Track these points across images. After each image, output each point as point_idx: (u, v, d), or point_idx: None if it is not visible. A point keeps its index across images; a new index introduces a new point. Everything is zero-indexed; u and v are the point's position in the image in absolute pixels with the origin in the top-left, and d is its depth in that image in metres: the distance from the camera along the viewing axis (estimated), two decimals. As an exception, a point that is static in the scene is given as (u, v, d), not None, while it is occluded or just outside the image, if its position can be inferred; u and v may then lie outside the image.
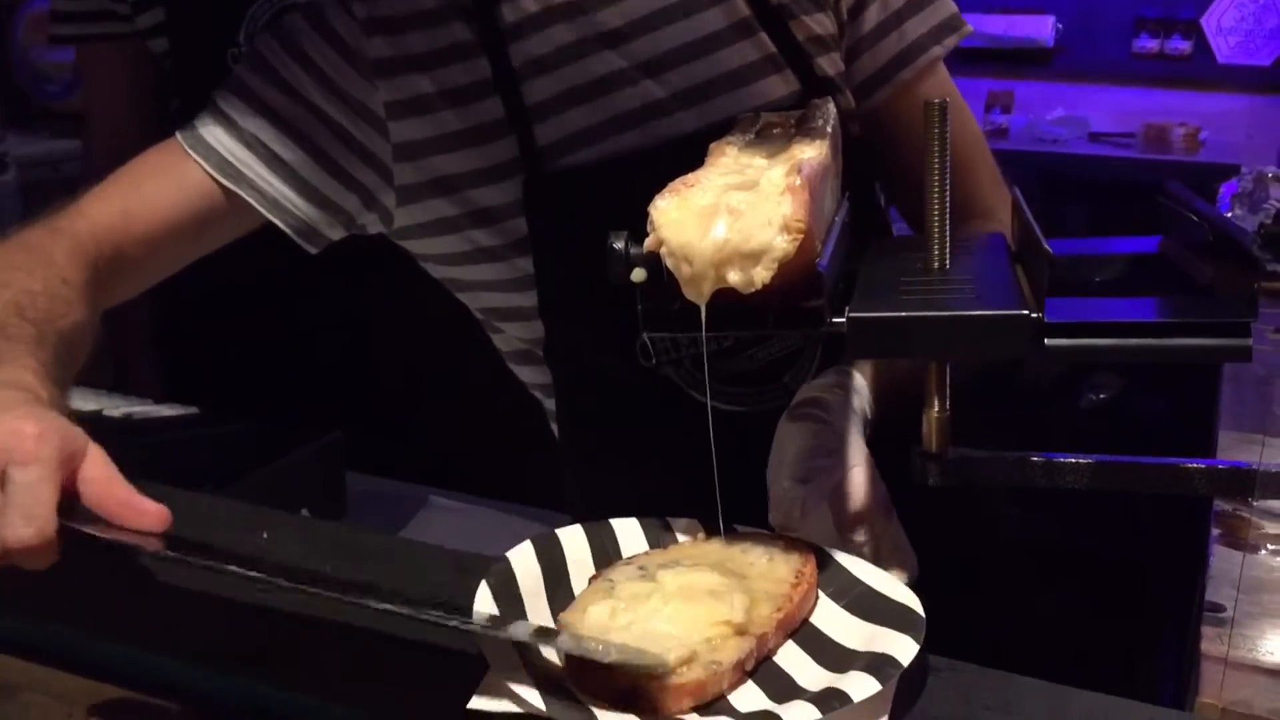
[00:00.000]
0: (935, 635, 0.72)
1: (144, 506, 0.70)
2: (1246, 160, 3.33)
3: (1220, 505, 0.96)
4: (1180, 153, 4.14)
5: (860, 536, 0.79)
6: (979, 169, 1.09)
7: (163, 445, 1.33)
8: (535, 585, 0.72)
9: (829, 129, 0.84)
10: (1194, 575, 0.83)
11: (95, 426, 1.30)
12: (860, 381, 0.90)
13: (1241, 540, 0.91)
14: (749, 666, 0.68)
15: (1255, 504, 0.96)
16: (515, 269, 1.08)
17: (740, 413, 1.03)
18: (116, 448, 1.28)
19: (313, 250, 1.06)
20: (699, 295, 0.70)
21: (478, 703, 0.65)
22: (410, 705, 0.73)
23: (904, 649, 0.66)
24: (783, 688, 0.66)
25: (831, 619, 0.72)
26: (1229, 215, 2.81)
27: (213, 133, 1.00)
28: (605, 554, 0.77)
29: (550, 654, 0.67)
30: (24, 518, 0.65)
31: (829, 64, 1.04)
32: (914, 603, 0.70)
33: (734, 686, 0.66)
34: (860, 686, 0.63)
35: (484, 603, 0.68)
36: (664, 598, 0.69)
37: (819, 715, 0.60)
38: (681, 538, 0.79)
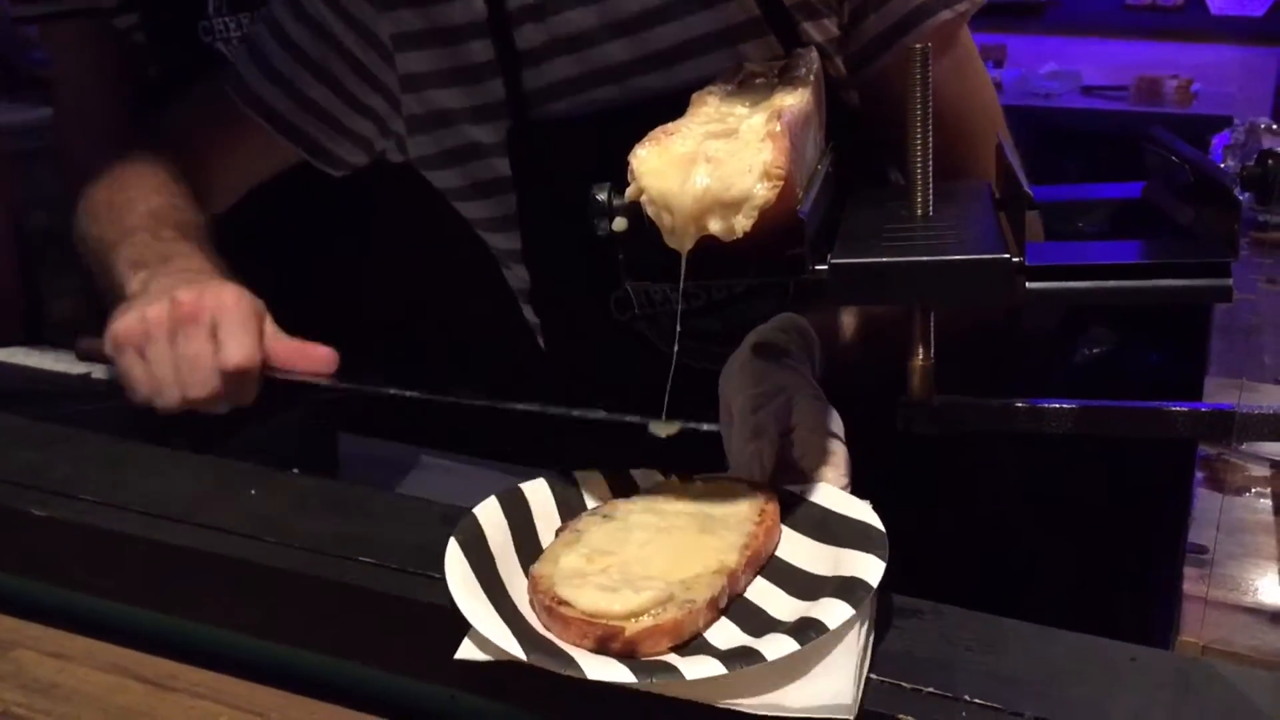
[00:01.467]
0: (920, 581, 0.73)
1: (315, 352, 0.92)
2: (1239, 111, 3.31)
3: (1205, 450, 0.97)
4: (1173, 105, 4.13)
5: (809, 463, 0.79)
6: (986, 139, 1.07)
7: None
8: (504, 539, 0.72)
9: (811, 77, 0.84)
10: (1178, 518, 0.84)
11: (84, 390, 1.32)
12: (805, 323, 0.89)
13: (1224, 483, 0.92)
14: (722, 604, 0.68)
15: (1241, 448, 0.97)
16: (504, 206, 1.10)
17: (710, 370, 1.03)
18: (107, 409, 1.29)
19: (335, 173, 1.15)
20: (680, 244, 0.70)
21: (465, 652, 0.65)
22: (398, 655, 0.73)
23: (871, 569, 0.66)
24: (758, 622, 0.67)
25: (797, 549, 0.73)
26: (1222, 166, 2.81)
27: (258, 80, 1.11)
28: (570, 505, 0.77)
29: (524, 606, 0.68)
30: (237, 346, 0.88)
31: (817, 29, 1.02)
32: (875, 520, 0.71)
33: (709, 624, 0.67)
34: (834, 613, 0.63)
35: (454, 559, 0.68)
36: (635, 542, 0.70)
37: (796, 646, 0.61)
38: (644, 485, 0.79)
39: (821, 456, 0.78)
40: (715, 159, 0.69)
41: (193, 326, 0.88)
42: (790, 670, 0.62)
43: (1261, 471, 0.92)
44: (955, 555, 1.09)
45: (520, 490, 0.76)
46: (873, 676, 0.65)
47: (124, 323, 0.92)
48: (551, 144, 1.04)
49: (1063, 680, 0.65)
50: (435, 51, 1.05)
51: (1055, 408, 0.80)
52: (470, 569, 0.69)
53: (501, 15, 1.02)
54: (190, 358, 0.88)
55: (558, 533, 0.74)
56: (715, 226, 0.68)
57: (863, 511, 0.73)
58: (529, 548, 0.73)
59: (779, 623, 0.66)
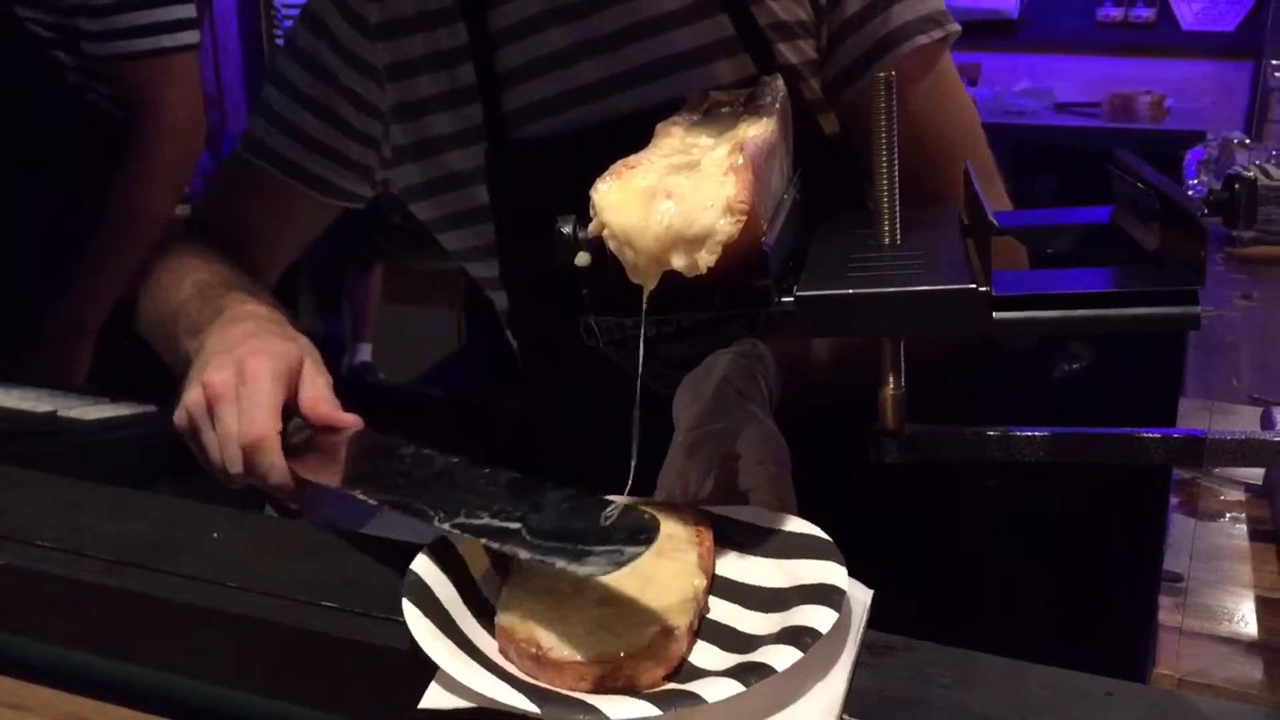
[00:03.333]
0: (893, 616, 0.72)
1: (341, 418, 0.90)
2: (1212, 126, 3.33)
3: (1179, 474, 0.96)
4: (1146, 121, 4.15)
5: (757, 495, 0.79)
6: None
7: (118, 444, 1.31)
8: (449, 593, 0.70)
9: (777, 106, 0.83)
10: (1153, 546, 0.83)
11: (51, 429, 1.30)
12: (765, 350, 0.89)
13: (1199, 509, 0.91)
14: (696, 627, 0.68)
15: (1215, 472, 0.96)
16: (482, 236, 1.10)
17: (661, 395, 1.03)
18: (71, 449, 1.27)
19: (351, 206, 1.17)
20: (644, 280, 0.69)
21: (430, 701, 0.64)
22: (363, 702, 0.72)
23: (834, 574, 0.68)
24: (733, 639, 0.67)
25: (741, 566, 0.73)
26: (1195, 182, 2.82)
27: (265, 131, 1.13)
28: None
29: (494, 655, 0.66)
30: (247, 422, 0.86)
31: (793, 51, 1.02)
32: (817, 530, 0.72)
33: (690, 649, 0.67)
34: (820, 618, 0.64)
35: (413, 616, 0.67)
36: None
37: (799, 654, 0.62)
38: None
39: (768, 488, 0.78)
40: (677, 194, 0.68)
41: (222, 405, 0.88)
42: (786, 691, 0.63)
43: (1236, 496, 0.92)
44: (927, 587, 1.10)
45: (448, 540, 0.73)
46: (845, 717, 0.64)
47: (178, 415, 0.93)
48: (527, 163, 1.04)
49: (1038, 716, 0.64)
50: (422, 79, 1.07)
51: (1026, 436, 0.79)
52: (431, 623, 0.67)
53: (484, 39, 1.04)
54: (224, 437, 0.88)
55: (502, 578, 0.72)
56: (679, 263, 0.68)
57: (798, 524, 0.74)
58: (473, 596, 0.71)
59: (757, 637, 0.66)
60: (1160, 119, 4.17)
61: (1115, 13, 4.32)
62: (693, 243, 0.67)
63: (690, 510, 0.77)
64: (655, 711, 0.60)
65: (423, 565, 0.71)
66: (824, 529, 0.74)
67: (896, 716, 0.64)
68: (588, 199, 0.70)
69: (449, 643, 0.66)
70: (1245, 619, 0.75)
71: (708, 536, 0.74)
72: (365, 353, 4.29)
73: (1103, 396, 3.03)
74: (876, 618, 0.71)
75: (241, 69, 3.75)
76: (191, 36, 1.87)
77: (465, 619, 0.69)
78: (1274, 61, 3.78)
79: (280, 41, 3.93)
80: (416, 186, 1.13)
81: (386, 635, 0.70)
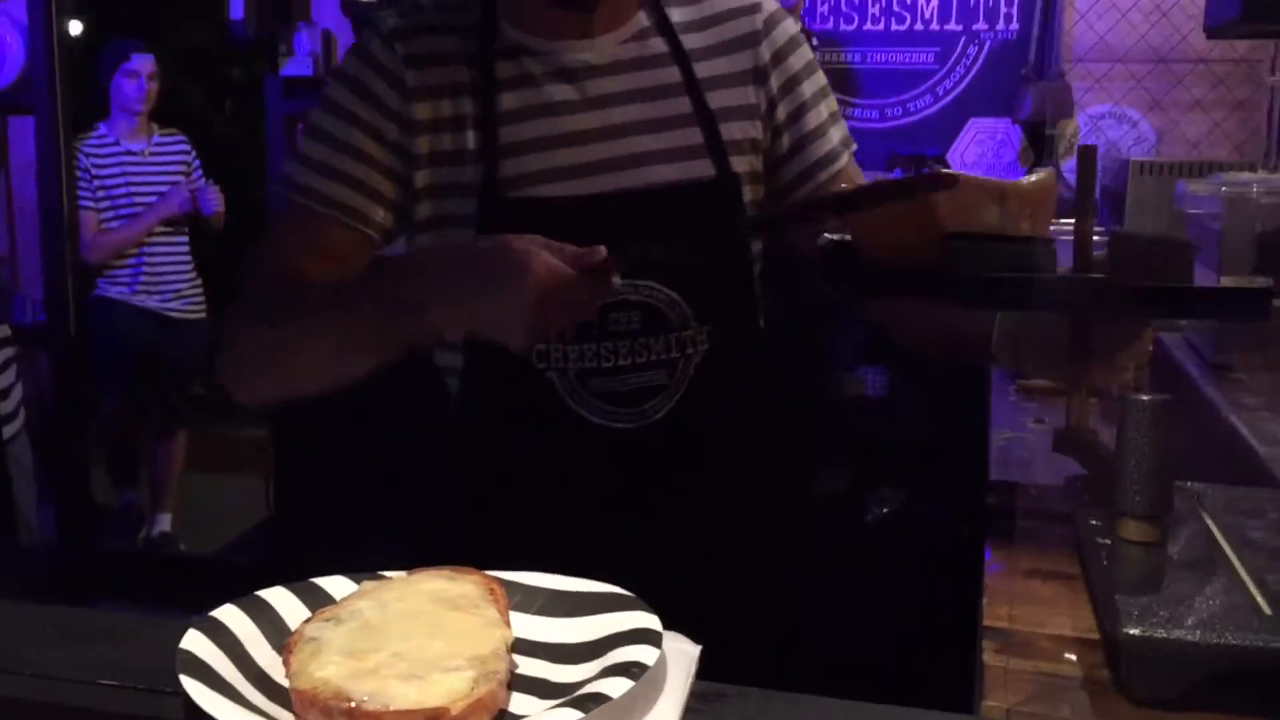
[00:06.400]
0: (725, 666, 0.70)
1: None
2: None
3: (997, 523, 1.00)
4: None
5: None
6: None
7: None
8: (225, 666, 0.65)
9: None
10: (974, 596, 0.84)
11: None
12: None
13: (1017, 565, 0.93)
14: (509, 679, 0.65)
15: (1020, 525, 1.00)
16: None
17: (597, 425, 1.13)
18: None
19: (378, 238, 1.19)
20: None
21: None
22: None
23: (647, 620, 0.68)
24: (550, 689, 0.65)
25: (544, 628, 0.72)
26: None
27: (294, 169, 1.18)
28: (274, 624, 0.71)
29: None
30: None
31: (742, 163, 1.20)
32: (618, 589, 0.72)
33: (507, 700, 0.64)
34: (642, 654, 0.64)
35: (194, 688, 0.62)
36: (396, 634, 0.65)
37: (631, 682, 0.61)
38: (338, 593, 0.74)
39: None
40: None
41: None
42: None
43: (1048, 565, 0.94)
44: (758, 636, 1.11)
45: (215, 618, 0.69)
46: (676, 759, 0.61)
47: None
48: (520, 221, 1.08)
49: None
50: (439, 135, 1.15)
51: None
52: (216, 692, 0.62)
53: (491, 112, 1.15)
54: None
55: (285, 648, 0.67)
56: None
57: (596, 585, 0.73)
58: (250, 670, 0.66)
59: (576, 684, 0.64)
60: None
61: (903, 182, 4.62)
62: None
63: (475, 572, 0.75)
64: None
65: (191, 640, 0.66)
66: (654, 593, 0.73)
67: (730, 757, 0.62)
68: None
69: (243, 709, 0.61)
70: (1066, 658, 0.76)
71: (500, 594, 0.73)
72: (165, 523, 4.07)
73: (914, 538, 3.11)
74: (710, 669, 0.69)
75: (38, 230, 3.61)
76: None
77: (249, 690, 0.64)
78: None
79: (83, 203, 3.80)
80: (422, 221, 1.19)
81: (172, 709, 0.64)
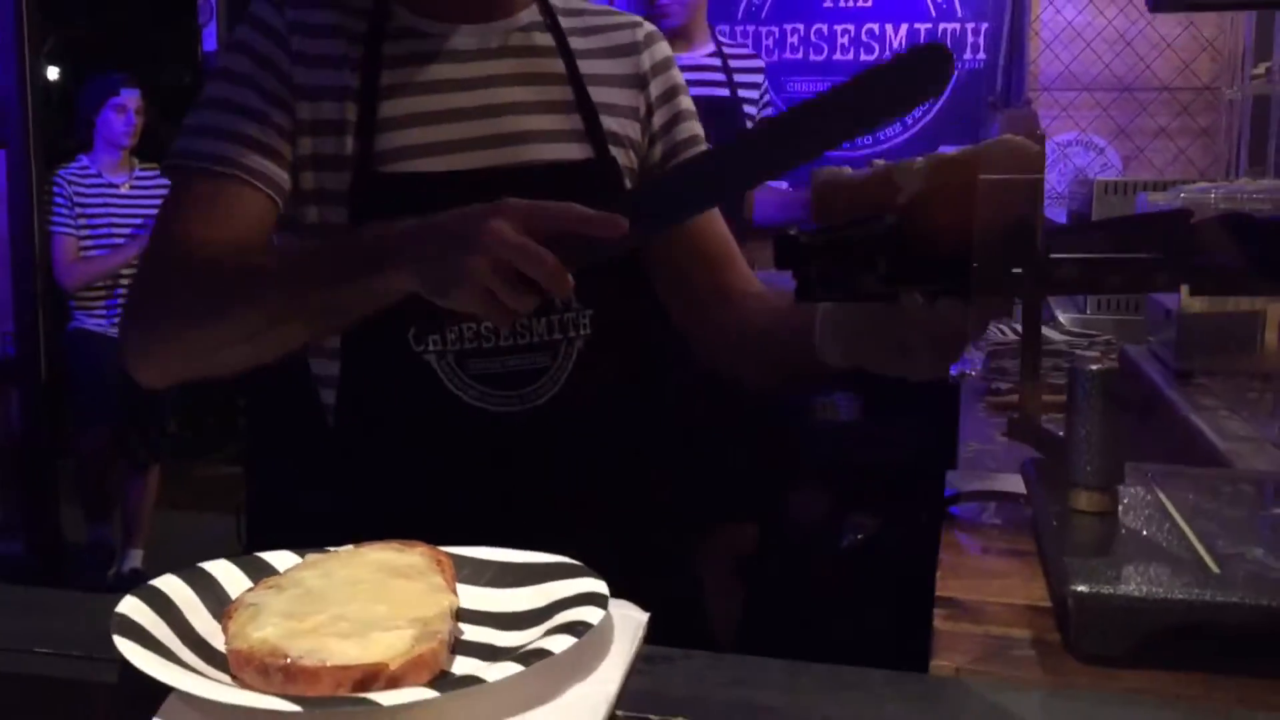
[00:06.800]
0: (671, 633, 0.70)
1: None
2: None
3: (956, 509, 1.00)
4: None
5: None
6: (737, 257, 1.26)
7: None
8: (166, 632, 0.65)
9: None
10: (929, 568, 0.84)
11: None
12: None
13: (970, 540, 0.93)
14: (452, 643, 0.65)
15: (984, 510, 1.00)
16: None
17: (476, 408, 1.11)
18: None
19: (279, 201, 1.14)
20: None
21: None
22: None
23: (594, 585, 0.68)
24: (494, 653, 0.65)
25: (491, 597, 0.72)
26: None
27: (186, 138, 1.14)
28: (214, 593, 0.70)
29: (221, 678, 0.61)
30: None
31: (623, 156, 1.20)
32: (566, 559, 0.73)
33: (450, 661, 0.63)
34: (588, 614, 0.64)
35: (128, 648, 0.61)
36: (339, 599, 0.65)
37: (574, 639, 0.61)
38: (282, 567, 0.74)
39: None
40: None
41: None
42: (561, 682, 0.62)
43: (1004, 543, 0.94)
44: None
45: (154, 586, 0.69)
46: (619, 713, 0.61)
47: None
48: (393, 196, 1.11)
49: (818, 705, 0.62)
50: (318, 104, 1.14)
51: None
52: (150, 651, 0.61)
53: (372, 86, 1.14)
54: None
55: (225, 614, 0.67)
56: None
57: (544, 556, 0.74)
58: (189, 636, 0.66)
59: (515, 649, 0.63)
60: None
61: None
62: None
63: (423, 545, 0.74)
64: (432, 694, 0.57)
65: (129, 605, 0.65)
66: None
67: (675, 711, 0.61)
68: None
69: (176, 666, 0.60)
70: (1017, 623, 0.76)
71: (448, 564, 0.72)
72: (136, 559, 4.02)
73: (889, 567, 3.10)
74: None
75: (8, 263, 3.60)
76: None
77: (186, 653, 0.63)
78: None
79: (63, 229, 3.80)
80: (301, 194, 1.16)
81: (105, 674, 0.63)
